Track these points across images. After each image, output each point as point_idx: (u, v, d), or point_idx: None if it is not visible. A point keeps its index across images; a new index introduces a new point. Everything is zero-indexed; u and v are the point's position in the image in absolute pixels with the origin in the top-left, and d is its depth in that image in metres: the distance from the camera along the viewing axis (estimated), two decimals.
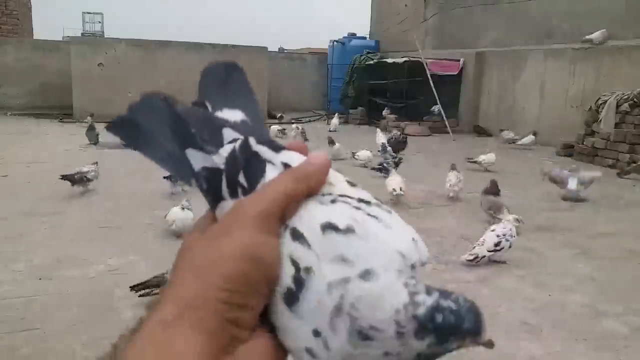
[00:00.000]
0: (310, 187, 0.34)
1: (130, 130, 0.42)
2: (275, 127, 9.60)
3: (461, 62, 11.36)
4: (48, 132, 9.54)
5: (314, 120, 12.96)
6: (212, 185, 0.36)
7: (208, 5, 74.69)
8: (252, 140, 0.37)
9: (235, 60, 0.44)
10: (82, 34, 13.97)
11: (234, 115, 0.40)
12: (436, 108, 10.79)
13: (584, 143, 7.95)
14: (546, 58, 9.54)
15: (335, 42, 14.72)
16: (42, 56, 12.31)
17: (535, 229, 4.31)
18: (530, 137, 8.78)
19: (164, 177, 5.05)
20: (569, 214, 4.95)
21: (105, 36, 13.77)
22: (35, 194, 5.06)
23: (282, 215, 0.33)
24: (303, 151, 0.38)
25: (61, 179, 4.98)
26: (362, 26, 26.04)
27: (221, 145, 0.37)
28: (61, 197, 4.97)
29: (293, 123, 11.74)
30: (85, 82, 11.25)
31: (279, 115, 12.09)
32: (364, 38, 15.16)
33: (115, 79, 11.43)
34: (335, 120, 10.97)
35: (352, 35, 14.84)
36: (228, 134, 0.37)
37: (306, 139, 8.19)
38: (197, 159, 0.37)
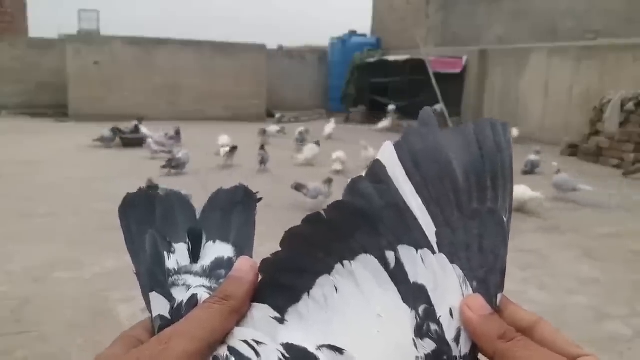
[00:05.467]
0: (238, 312, 0.34)
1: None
2: (274, 127, 9.54)
3: (464, 59, 11.29)
4: (43, 131, 9.44)
5: (315, 120, 12.90)
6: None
7: (207, 0, 74.52)
8: (203, 294, 0.36)
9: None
10: (78, 31, 13.86)
11: (223, 250, 0.41)
12: (439, 107, 10.74)
13: (589, 142, 7.91)
14: (550, 56, 9.48)
15: (335, 40, 14.66)
16: (38, 54, 12.16)
17: (538, 230, 4.27)
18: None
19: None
20: (573, 215, 4.91)
21: (102, 34, 13.66)
22: (30, 194, 5.00)
23: (209, 350, 0.32)
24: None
25: (162, 167, 5.93)
26: (363, 23, 25.97)
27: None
28: (56, 198, 4.92)
29: (292, 122, 11.71)
30: (81, 81, 11.13)
31: (279, 115, 12.04)
32: (365, 35, 15.10)
33: (112, 78, 11.35)
34: (328, 129, 9.33)
35: (353, 33, 14.78)
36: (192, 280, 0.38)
37: (303, 140, 8.09)
38: (158, 304, 0.36)
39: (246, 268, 0.35)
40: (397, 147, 0.37)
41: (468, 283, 0.33)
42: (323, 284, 0.34)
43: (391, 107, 11.44)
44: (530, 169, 6.53)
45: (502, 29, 11.17)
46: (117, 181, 5.69)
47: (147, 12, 61.74)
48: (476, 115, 11.14)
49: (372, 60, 12.91)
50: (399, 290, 0.33)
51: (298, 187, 4.57)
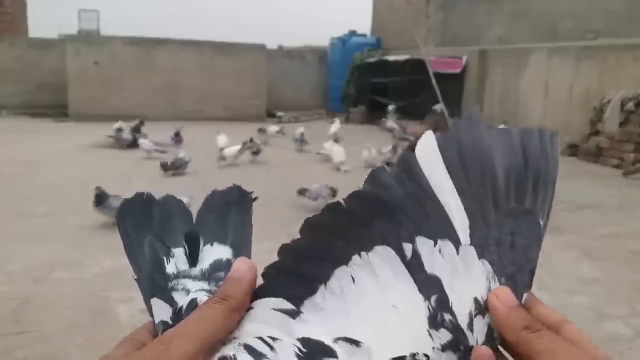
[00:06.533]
0: (238, 311, 0.34)
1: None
2: (273, 127, 9.55)
3: (464, 59, 11.29)
4: (43, 131, 9.44)
5: (315, 120, 12.90)
6: None
7: (207, 0, 74.61)
8: (202, 298, 0.36)
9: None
10: (78, 31, 13.87)
11: (221, 252, 0.40)
12: (439, 107, 10.74)
13: (589, 142, 7.90)
14: (550, 56, 9.47)
15: (335, 40, 14.66)
16: (38, 54, 12.15)
17: None
18: None
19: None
20: (573, 215, 4.90)
21: (102, 34, 13.66)
22: (30, 194, 5.00)
23: (211, 350, 0.32)
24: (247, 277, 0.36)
25: (161, 167, 5.84)
26: (363, 23, 25.96)
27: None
28: (56, 198, 4.92)
29: (292, 122, 11.71)
30: (81, 81, 11.12)
31: (279, 114, 12.03)
32: (365, 35, 15.10)
33: (111, 78, 11.34)
34: (334, 128, 9.23)
35: (353, 33, 14.78)
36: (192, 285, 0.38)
37: (303, 141, 8.07)
38: (160, 310, 0.36)
39: (244, 268, 0.35)
40: (441, 139, 0.37)
41: (496, 278, 0.33)
42: (340, 275, 0.34)
43: (391, 107, 11.44)
44: None
45: (502, 29, 11.16)
46: (117, 181, 5.69)
47: (147, 12, 61.72)
48: None
49: (372, 60, 12.90)
50: (415, 281, 0.33)
51: (301, 192, 4.75)
